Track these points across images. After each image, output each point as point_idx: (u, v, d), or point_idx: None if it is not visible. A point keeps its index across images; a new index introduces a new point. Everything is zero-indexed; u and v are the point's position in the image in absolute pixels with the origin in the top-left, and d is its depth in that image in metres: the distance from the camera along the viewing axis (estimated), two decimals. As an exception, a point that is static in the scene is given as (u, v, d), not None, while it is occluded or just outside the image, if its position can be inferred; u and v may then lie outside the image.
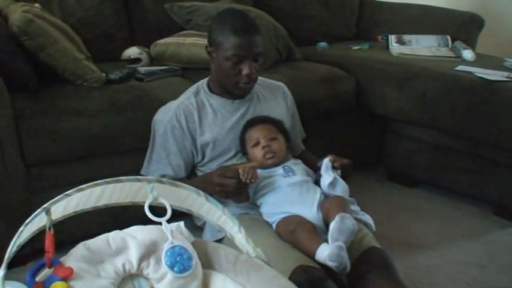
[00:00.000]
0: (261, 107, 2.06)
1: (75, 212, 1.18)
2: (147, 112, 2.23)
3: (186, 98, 2.04)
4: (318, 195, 1.80)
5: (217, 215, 1.32)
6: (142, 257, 1.18)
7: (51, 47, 2.41)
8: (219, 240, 1.69)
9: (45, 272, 1.07)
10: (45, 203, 1.09)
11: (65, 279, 1.06)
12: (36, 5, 2.66)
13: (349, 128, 3.19)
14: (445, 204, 2.98)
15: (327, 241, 1.62)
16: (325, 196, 1.83)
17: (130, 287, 1.20)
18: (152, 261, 1.19)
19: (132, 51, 2.97)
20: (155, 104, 2.19)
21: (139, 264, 1.18)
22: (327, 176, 1.82)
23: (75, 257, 1.13)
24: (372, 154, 3.30)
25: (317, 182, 1.91)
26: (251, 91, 2.05)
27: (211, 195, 1.31)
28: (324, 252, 1.58)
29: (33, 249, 1.60)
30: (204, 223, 1.98)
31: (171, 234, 1.21)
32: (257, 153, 1.91)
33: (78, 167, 2.38)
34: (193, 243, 1.26)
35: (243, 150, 1.98)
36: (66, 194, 1.11)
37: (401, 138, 3.16)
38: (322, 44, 3.57)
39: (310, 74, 3.05)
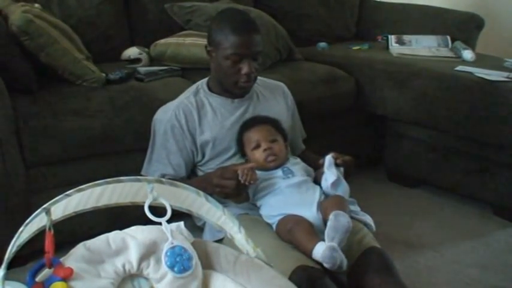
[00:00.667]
0: (261, 106, 2.06)
1: (75, 212, 1.18)
2: (147, 112, 2.23)
3: (186, 97, 2.04)
4: (317, 195, 1.80)
5: (217, 215, 1.32)
6: (142, 257, 1.18)
7: (51, 47, 2.41)
8: (219, 241, 1.69)
9: (45, 272, 1.07)
10: (45, 203, 1.09)
11: (65, 279, 1.06)
12: (36, 5, 2.66)
13: (349, 128, 3.19)
14: (445, 205, 2.98)
15: (323, 240, 1.62)
16: (325, 195, 1.83)
17: (130, 287, 1.20)
18: (152, 261, 1.19)
19: (132, 52, 2.97)
20: (155, 104, 2.19)
21: (139, 265, 1.18)
22: (330, 174, 1.81)
23: (75, 257, 1.13)
24: (371, 154, 3.30)
25: (317, 180, 1.91)
26: (251, 90, 2.05)
27: (210, 195, 1.31)
28: (320, 251, 1.58)
29: (33, 250, 1.60)
30: (204, 223, 1.98)
31: (171, 235, 1.21)
32: (258, 156, 1.89)
33: (78, 167, 2.37)
34: (193, 244, 1.26)
35: (241, 151, 1.97)
36: (66, 194, 1.11)
37: (401, 138, 3.15)
38: (322, 44, 3.57)
39: (310, 74, 3.05)
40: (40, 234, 1.10)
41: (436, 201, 3.01)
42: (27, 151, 2.24)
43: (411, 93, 2.96)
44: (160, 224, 1.21)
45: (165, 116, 2.02)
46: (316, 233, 1.68)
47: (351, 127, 3.21)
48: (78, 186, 1.12)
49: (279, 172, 1.87)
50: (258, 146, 1.89)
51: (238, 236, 1.32)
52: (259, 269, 1.27)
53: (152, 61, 2.97)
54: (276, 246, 1.69)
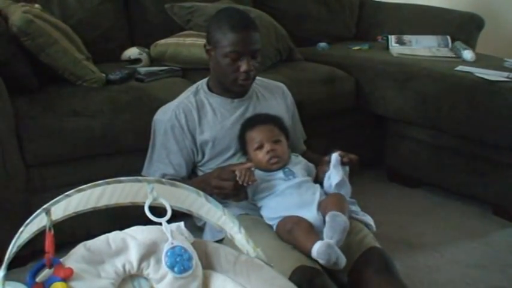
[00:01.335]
0: (261, 106, 2.06)
1: (75, 212, 1.18)
2: (147, 112, 2.23)
3: (186, 97, 2.05)
4: (317, 196, 1.79)
5: (217, 215, 1.32)
6: (142, 257, 1.18)
7: (51, 47, 2.41)
8: (219, 241, 1.69)
9: (46, 273, 1.07)
10: (45, 203, 1.09)
11: (65, 279, 1.06)
12: (36, 5, 2.67)
13: (349, 128, 3.19)
14: (445, 205, 2.97)
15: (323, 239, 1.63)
16: (325, 193, 1.83)
17: (130, 287, 1.20)
18: (152, 261, 1.19)
19: (132, 52, 2.97)
20: (155, 105, 2.19)
21: (139, 265, 1.18)
22: (335, 174, 1.80)
23: (75, 258, 1.13)
24: (372, 154, 3.29)
25: (318, 177, 1.91)
26: (250, 90, 2.06)
27: (210, 195, 1.31)
28: (316, 248, 1.58)
29: (33, 250, 1.60)
30: (204, 223, 1.98)
31: (171, 235, 1.21)
32: (261, 157, 1.87)
33: (78, 168, 2.38)
34: (193, 244, 1.26)
35: (242, 150, 1.97)
36: (67, 195, 1.11)
37: (402, 138, 3.15)
38: (322, 45, 3.57)
39: (310, 75, 3.05)
40: (40, 235, 1.10)
41: (436, 201, 3.01)
42: (27, 151, 2.24)
43: (411, 93, 2.96)
44: (160, 224, 1.21)
45: (165, 116, 2.02)
46: (315, 232, 1.68)
47: (351, 127, 3.21)
48: (78, 186, 1.13)
49: (280, 173, 1.86)
50: (261, 147, 1.88)
51: (239, 236, 1.32)
52: (259, 269, 1.27)
53: (152, 61, 2.98)
54: (276, 247, 1.69)
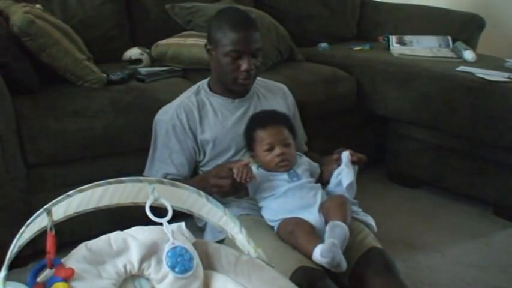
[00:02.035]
0: (261, 106, 2.06)
1: (76, 212, 1.18)
2: (148, 113, 2.23)
3: (187, 97, 2.05)
4: (318, 197, 1.79)
5: (218, 215, 1.32)
6: (143, 257, 1.18)
7: (52, 47, 2.42)
8: (220, 241, 1.69)
9: (46, 273, 1.07)
10: (46, 203, 1.09)
11: (66, 280, 1.06)
12: (37, 6, 2.67)
13: (349, 128, 3.19)
14: (445, 205, 2.97)
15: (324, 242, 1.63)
16: (328, 193, 1.83)
17: (131, 287, 1.20)
18: (153, 261, 1.19)
19: (133, 52, 2.97)
20: (156, 105, 2.19)
21: (140, 265, 1.18)
22: (347, 174, 1.80)
23: (76, 258, 1.13)
24: (372, 155, 3.27)
25: (323, 175, 1.91)
26: (251, 89, 2.06)
27: (210, 194, 1.31)
28: (318, 251, 1.58)
29: (34, 250, 1.60)
30: (205, 224, 1.98)
31: (172, 235, 1.21)
32: (269, 159, 1.85)
33: (79, 168, 2.38)
34: (194, 244, 1.26)
35: (248, 147, 1.95)
36: (68, 195, 1.11)
37: (402, 138, 3.15)
38: (323, 45, 3.57)
39: (311, 75, 3.05)
40: (41, 235, 1.10)
41: (437, 202, 3.01)
42: (28, 151, 2.24)
43: (412, 94, 2.96)
44: (161, 224, 1.21)
45: (166, 116, 2.02)
46: (316, 235, 1.68)
47: (352, 127, 3.21)
48: (79, 186, 1.13)
49: (284, 175, 1.84)
50: (271, 149, 1.85)
51: (240, 236, 1.32)
52: (260, 269, 1.27)
53: (153, 62, 2.98)
54: (277, 247, 1.70)
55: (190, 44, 2.90)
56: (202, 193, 1.28)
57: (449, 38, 3.40)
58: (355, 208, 1.89)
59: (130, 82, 2.66)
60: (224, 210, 1.30)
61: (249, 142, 1.94)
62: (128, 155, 2.44)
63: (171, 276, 1.19)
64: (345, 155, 1.83)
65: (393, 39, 3.45)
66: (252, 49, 1.92)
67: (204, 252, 1.29)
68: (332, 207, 1.72)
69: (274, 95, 2.15)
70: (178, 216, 1.27)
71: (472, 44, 3.44)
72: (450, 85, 2.84)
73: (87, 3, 3.01)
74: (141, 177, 1.21)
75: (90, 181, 1.15)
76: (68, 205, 1.14)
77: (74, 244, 1.17)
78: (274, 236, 1.77)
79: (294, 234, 1.69)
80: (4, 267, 0.98)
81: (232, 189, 1.77)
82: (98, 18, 3.04)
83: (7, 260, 1.00)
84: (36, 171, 2.30)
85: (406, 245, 2.56)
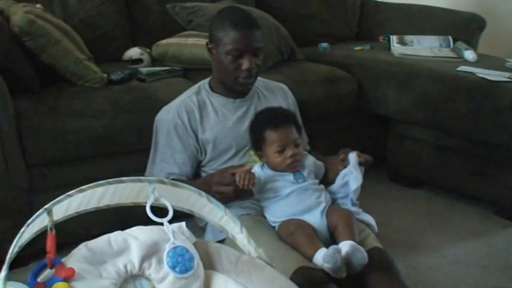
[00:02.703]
0: (262, 106, 2.06)
1: (76, 212, 1.18)
2: (148, 112, 2.23)
3: (188, 96, 2.05)
4: (321, 200, 1.77)
5: (218, 215, 1.32)
6: (144, 257, 1.18)
7: (53, 47, 2.41)
8: (221, 241, 1.69)
9: (47, 273, 1.07)
10: (46, 203, 1.09)
11: (66, 279, 1.07)
12: (38, 5, 2.67)
13: (350, 128, 3.19)
14: (446, 205, 2.97)
15: (325, 246, 1.63)
16: (332, 192, 1.82)
17: (131, 287, 1.20)
18: (154, 261, 1.19)
19: (134, 52, 2.97)
20: (157, 105, 2.19)
21: (140, 265, 1.18)
22: (355, 177, 1.78)
23: (77, 258, 1.13)
24: (373, 155, 3.26)
25: (328, 175, 1.89)
26: (252, 89, 2.06)
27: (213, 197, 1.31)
28: (320, 255, 1.58)
29: (34, 250, 1.60)
30: (206, 224, 1.98)
31: (173, 235, 1.21)
32: (280, 160, 1.80)
33: (79, 168, 2.38)
34: (194, 244, 1.26)
35: (255, 146, 1.90)
36: (68, 195, 1.11)
37: (403, 138, 3.15)
38: (324, 45, 3.57)
39: (311, 75, 3.05)
40: (42, 235, 1.11)
41: (438, 202, 3.01)
42: (29, 151, 2.24)
43: (413, 94, 2.96)
44: (162, 224, 1.21)
45: (167, 116, 2.02)
46: (317, 238, 1.68)
47: (353, 127, 3.21)
48: (79, 186, 1.13)
49: (290, 176, 1.82)
50: (282, 150, 1.80)
51: (240, 236, 1.32)
52: (260, 269, 1.27)
53: (154, 61, 2.98)
54: (278, 247, 1.69)
55: (191, 43, 2.90)
56: (203, 193, 1.28)
57: (450, 37, 3.40)
58: (355, 209, 1.88)
59: (130, 82, 2.66)
60: (225, 210, 1.30)
61: (257, 142, 1.88)
62: (129, 155, 2.44)
63: (171, 276, 1.19)
64: (353, 156, 1.81)
65: (394, 39, 3.45)
66: (253, 48, 1.92)
67: (204, 252, 1.29)
68: (341, 224, 1.71)
69: (275, 94, 2.15)
70: (179, 216, 1.27)
71: (472, 44, 3.44)
72: (451, 85, 2.83)
73: (87, 3, 3.01)
74: (141, 177, 1.21)
75: (91, 181, 1.15)
76: (69, 205, 1.14)
77: (75, 244, 1.17)
78: (275, 236, 1.77)
79: (294, 236, 1.69)
80: (5, 267, 0.98)
81: (235, 196, 1.76)
82: (98, 18, 3.03)
83: (8, 259, 1.00)
84: (37, 171, 2.30)
85: (407, 245, 2.55)
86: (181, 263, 1.19)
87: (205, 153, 2.01)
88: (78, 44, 2.65)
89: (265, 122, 1.87)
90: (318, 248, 1.62)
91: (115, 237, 1.19)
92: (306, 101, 2.57)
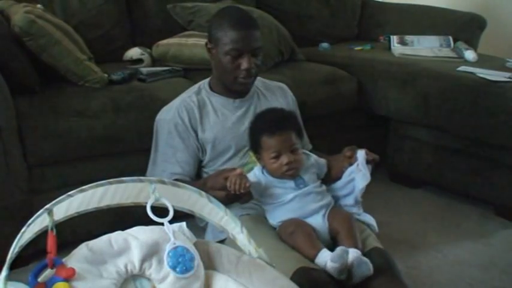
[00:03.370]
0: (262, 106, 2.06)
1: (77, 212, 1.18)
2: (149, 113, 2.24)
3: (188, 96, 2.05)
4: (323, 203, 1.76)
5: (219, 215, 1.32)
6: (144, 257, 1.18)
7: (53, 47, 2.42)
8: (221, 241, 1.68)
9: (48, 273, 1.07)
10: (47, 203, 1.09)
11: (67, 279, 1.07)
12: (38, 5, 2.67)
13: (350, 128, 3.19)
14: (447, 205, 2.97)
15: (326, 247, 1.63)
16: (337, 189, 1.81)
17: (132, 287, 1.20)
18: (154, 261, 1.19)
19: (134, 52, 2.97)
20: (157, 105, 2.19)
21: (141, 265, 1.18)
22: (363, 176, 1.76)
23: (77, 258, 1.13)
24: (373, 155, 3.29)
25: (332, 172, 1.87)
26: (251, 89, 2.05)
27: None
28: (326, 258, 1.58)
29: (35, 250, 1.60)
30: (206, 224, 1.98)
31: (173, 235, 1.21)
32: (276, 166, 1.76)
33: (80, 168, 2.38)
34: (195, 244, 1.26)
35: (254, 149, 1.86)
36: (69, 195, 1.11)
37: (403, 139, 3.15)
38: (324, 45, 3.57)
39: (312, 75, 3.05)
40: (42, 235, 1.10)
41: (438, 202, 3.01)
42: (29, 151, 2.24)
43: (413, 94, 2.96)
44: (162, 224, 1.21)
45: (167, 115, 2.02)
46: (317, 239, 1.68)
47: (353, 127, 3.21)
48: (80, 186, 1.13)
49: (291, 183, 1.78)
50: (277, 157, 1.75)
51: (241, 236, 1.32)
52: (261, 269, 1.27)
53: (154, 62, 2.98)
54: (278, 247, 1.69)
55: (191, 44, 2.90)
56: (203, 193, 1.28)
57: (450, 37, 3.40)
58: (357, 209, 1.87)
59: (131, 82, 2.66)
60: (225, 210, 1.30)
61: (255, 146, 1.85)
62: (129, 155, 2.44)
63: (172, 276, 1.19)
64: (361, 154, 1.78)
65: (394, 39, 3.45)
66: (252, 48, 1.92)
67: (205, 252, 1.29)
68: (342, 230, 1.70)
69: (275, 94, 2.15)
70: (179, 216, 1.27)
71: (473, 44, 3.44)
72: (451, 85, 2.83)
73: (88, 3, 3.01)
74: (142, 177, 1.21)
75: (91, 181, 1.15)
76: (69, 205, 1.14)
77: (75, 244, 1.17)
78: (275, 236, 1.76)
79: (294, 236, 1.69)
80: (5, 267, 0.98)
81: (229, 200, 1.69)
82: (99, 18, 3.04)
83: (8, 259, 1.00)
84: (37, 171, 2.30)
85: (407, 245, 2.56)
86: (181, 263, 1.19)
87: (206, 153, 2.01)
88: (79, 44, 2.65)
89: (263, 126, 1.82)
90: (319, 248, 1.62)
91: (115, 237, 1.19)
92: (306, 101, 2.58)
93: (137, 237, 1.19)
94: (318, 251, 1.61)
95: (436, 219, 2.84)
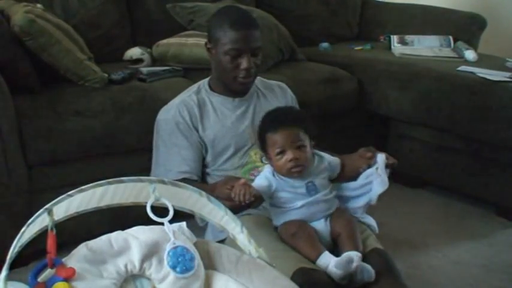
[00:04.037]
0: (262, 105, 2.05)
1: (77, 212, 1.18)
2: (149, 112, 2.23)
3: (188, 95, 2.04)
4: (331, 212, 1.75)
5: (219, 215, 1.32)
6: (144, 257, 1.18)
7: (53, 47, 2.41)
8: (221, 241, 1.68)
9: (47, 273, 1.07)
10: (47, 203, 1.09)
11: (67, 279, 1.06)
12: (39, 5, 2.67)
13: (351, 128, 3.19)
14: (447, 205, 2.97)
15: (327, 249, 1.63)
16: (350, 190, 1.80)
17: (132, 287, 1.20)
18: (154, 261, 1.19)
19: (134, 52, 2.97)
20: (157, 105, 2.18)
21: (141, 265, 1.18)
22: (384, 179, 1.71)
23: (77, 258, 1.13)
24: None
25: (345, 171, 1.85)
26: (251, 88, 2.05)
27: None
28: (328, 260, 1.58)
29: (35, 250, 1.60)
30: (206, 224, 1.98)
31: (173, 235, 1.21)
32: (281, 164, 1.72)
33: (80, 168, 2.38)
34: (195, 244, 1.26)
35: (262, 148, 1.82)
36: (68, 195, 1.11)
37: (404, 138, 3.15)
38: (324, 45, 3.57)
39: (312, 75, 3.05)
40: (42, 235, 1.10)
41: (439, 202, 3.01)
42: (29, 151, 2.24)
43: (413, 94, 2.96)
44: (162, 224, 1.21)
45: (168, 115, 2.01)
46: (319, 240, 1.68)
47: (353, 127, 3.21)
48: (80, 186, 1.13)
49: (302, 188, 1.73)
50: (282, 153, 1.72)
51: (241, 236, 1.31)
52: (261, 269, 1.27)
53: (154, 61, 2.98)
54: (278, 247, 1.69)
55: (191, 43, 2.90)
56: (203, 193, 1.28)
57: (451, 37, 3.40)
58: (360, 213, 1.86)
59: (131, 82, 2.66)
60: (225, 210, 1.30)
61: (263, 145, 1.81)
62: (129, 155, 2.44)
63: (172, 276, 1.18)
64: (382, 158, 1.74)
65: (394, 38, 3.45)
66: (251, 47, 1.92)
67: (205, 252, 1.29)
68: (344, 234, 1.70)
69: (274, 93, 2.15)
70: (180, 216, 1.26)
71: (473, 44, 3.44)
72: (451, 85, 2.84)
73: (88, 3, 3.01)
74: (142, 177, 1.21)
75: (91, 181, 1.15)
76: (69, 205, 1.14)
77: (75, 244, 1.17)
78: (276, 236, 1.76)
79: (296, 237, 1.68)
80: (5, 267, 0.98)
81: (237, 208, 1.63)
82: (99, 18, 3.03)
83: (8, 259, 1.00)
84: (37, 171, 2.30)
85: (408, 246, 2.55)
86: (181, 262, 1.19)
87: (208, 151, 2.01)
88: (79, 43, 2.65)
89: (267, 124, 1.80)
90: (321, 251, 1.62)
91: (115, 237, 1.19)
92: (306, 101, 2.57)
93: (137, 237, 1.19)
94: (320, 253, 1.61)
95: (436, 219, 2.84)
